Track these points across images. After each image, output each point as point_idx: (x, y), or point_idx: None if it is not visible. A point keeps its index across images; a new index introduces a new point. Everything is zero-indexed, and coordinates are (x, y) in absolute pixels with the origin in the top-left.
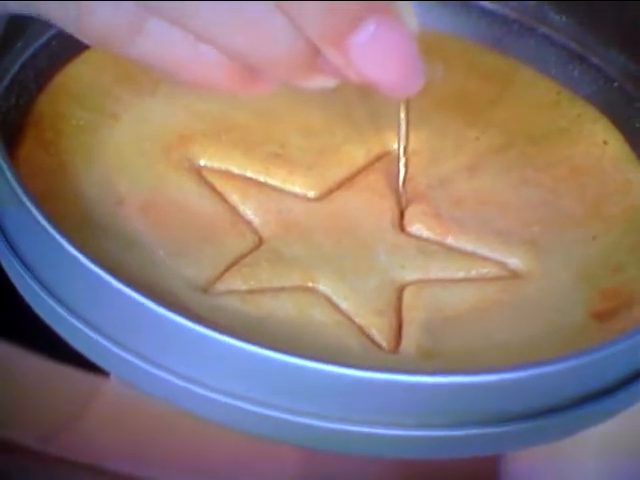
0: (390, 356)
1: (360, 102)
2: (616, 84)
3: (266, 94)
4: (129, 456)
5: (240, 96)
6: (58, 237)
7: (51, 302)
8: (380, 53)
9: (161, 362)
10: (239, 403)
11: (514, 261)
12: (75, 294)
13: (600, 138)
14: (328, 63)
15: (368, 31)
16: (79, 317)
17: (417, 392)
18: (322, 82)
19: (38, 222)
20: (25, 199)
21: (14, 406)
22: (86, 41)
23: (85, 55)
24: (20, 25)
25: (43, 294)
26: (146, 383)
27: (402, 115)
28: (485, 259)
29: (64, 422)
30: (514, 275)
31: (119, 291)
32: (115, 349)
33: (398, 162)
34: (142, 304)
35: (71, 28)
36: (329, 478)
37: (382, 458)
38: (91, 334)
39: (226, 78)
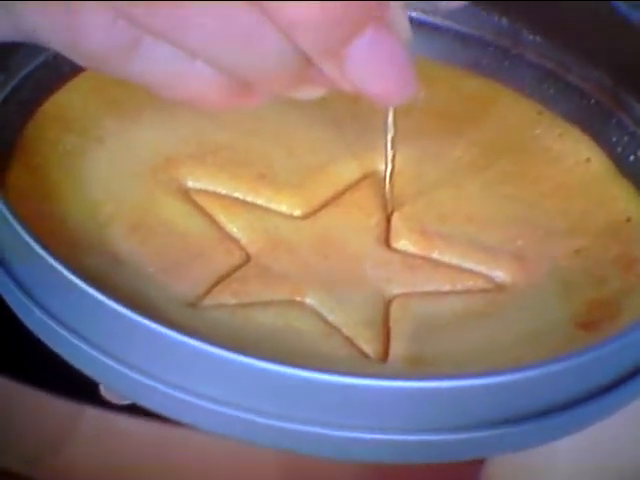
0: (378, 365)
1: (344, 123)
2: (593, 100)
3: (257, 107)
4: None
5: (231, 110)
6: (44, 254)
7: (44, 318)
8: (375, 63)
9: (151, 372)
10: (230, 411)
11: (499, 274)
12: (67, 310)
13: (583, 156)
14: (320, 74)
15: (364, 42)
16: (70, 331)
17: (405, 397)
18: (313, 92)
19: (27, 243)
20: (14, 222)
21: (1, 433)
22: (81, 63)
23: (71, 84)
24: (2, 58)
25: (37, 311)
26: (138, 393)
27: (389, 127)
28: (470, 272)
29: (49, 447)
30: (499, 288)
31: (105, 304)
32: (105, 360)
33: (385, 172)
34: (129, 317)
35: (66, 51)
36: None
37: (374, 463)
38: (82, 346)
39: (218, 93)
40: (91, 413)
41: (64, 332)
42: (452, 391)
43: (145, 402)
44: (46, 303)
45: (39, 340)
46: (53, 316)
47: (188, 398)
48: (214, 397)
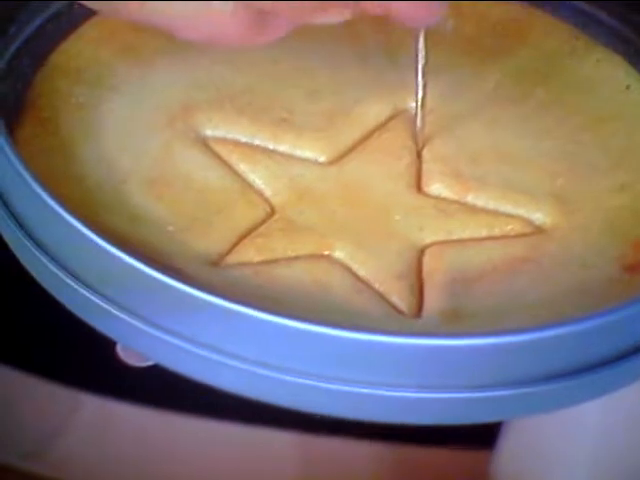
0: (413, 321)
1: (368, 60)
2: (630, 28)
3: (276, 40)
4: (112, 474)
5: (250, 47)
6: (64, 214)
7: (60, 275)
8: None
9: (174, 330)
10: (257, 370)
11: (539, 216)
12: (85, 268)
13: (622, 83)
14: None
15: None
16: (88, 289)
17: (441, 355)
18: (336, 16)
19: (44, 202)
20: (30, 180)
21: None
22: (96, 7)
23: (80, 31)
24: (12, 10)
25: (53, 268)
26: (159, 352)
27: (420, 61)
28: (508, 216)
29: (47, 439)
30: (539, 231)
31: (126, 263)
32: (123, 316)
33: (415, 109)
34: (151, 276)
35: None
36: None
37: (412, 424)
38: (101, 304)
39: (237, 29)
40: (90, 402)
41: (82, 290)
42: (488, 349)
43: (166, 361)
44: (62, 260)
45: (38, 328)
46: (70, 273)
47: (213, 356)
48: (240, 355)
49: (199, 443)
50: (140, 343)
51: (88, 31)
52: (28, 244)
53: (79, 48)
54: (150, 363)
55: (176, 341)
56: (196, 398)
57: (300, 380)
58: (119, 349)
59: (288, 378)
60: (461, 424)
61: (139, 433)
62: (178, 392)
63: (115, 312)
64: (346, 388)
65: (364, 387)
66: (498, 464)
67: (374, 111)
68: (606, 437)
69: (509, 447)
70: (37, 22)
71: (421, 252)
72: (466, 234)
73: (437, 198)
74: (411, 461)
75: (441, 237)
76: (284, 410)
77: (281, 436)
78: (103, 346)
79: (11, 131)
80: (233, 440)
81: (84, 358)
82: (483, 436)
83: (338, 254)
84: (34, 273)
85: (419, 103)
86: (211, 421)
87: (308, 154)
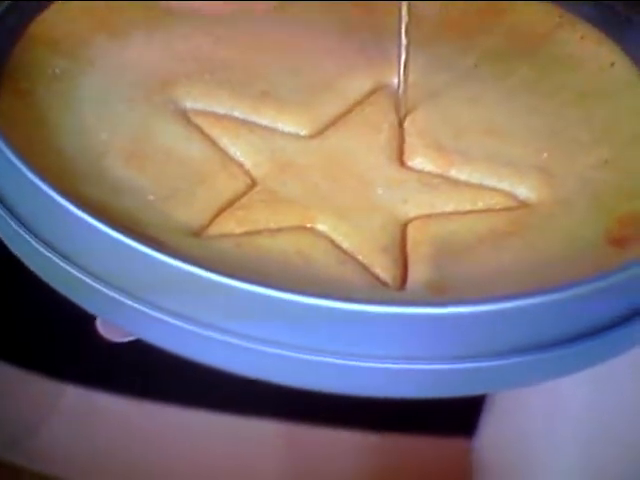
0: (397, 293)
1: (350, 32)
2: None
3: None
4: (96, 464)
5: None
6: (42, 185)
7: (40, 248)
8: None
9: (155, 302)
10: (239, 342)
11: (523, 190)
12: (64, 240)
13: (607, 60)
14: None
15: None
16: (68, 261)
17: (424, 324)
18: None
19: (22, 173)
20: (7, 152)
21: None
22: None
23: (58, 4)
24: None
25: (33, 242)
26: (140, 326)
27: (402, 34)
28: (492, 190)
29: (29, 427)
30: (524, 205)
31: (106, 234)
32: (103, 289)
33: (398, 83)
34: (131, 247)
35: None
36: None
37: (393, 397)
38: (82, 277)
39: None
40: (71, 391)
41: (61, 263)
42: (475, 317)
43: (147, 335)
44: (42, 233)
45: (20, 320)
46: (50, 246)
47: (195, 329)
48: (222, 328)
49: (185, 433)
50: (120, 316)
51: (64, 4)
52: (5, 216)
53: (56, 19)
54: (130, 338)
55: (157, 314)
56: (181, 388)
57: (283, 352)
58: (99, 324)
59: (271, 350)
60: (446, 397)
61: (123, 423)
62: (163, 382)
63: (94, 284)
64: (330, 360)
65: (347, 359)
66: (481, 448)
67: (356, 85)
68: (592, 415)
69: (491, 431)
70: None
71: (405, 225)
72: (450, 207)
73: (420, 172)
74: (396, 449)
75: (425, 210)
76: (271, 399)
77: (266, 425)
78: (86, 335)
79: None
80: (221, 430)
81: (67, 348)
82: (467, 423)
83: (321, 226)
84: (11, 246)
85: (401, 77)
86: (196, 411)
87: (290, 128)
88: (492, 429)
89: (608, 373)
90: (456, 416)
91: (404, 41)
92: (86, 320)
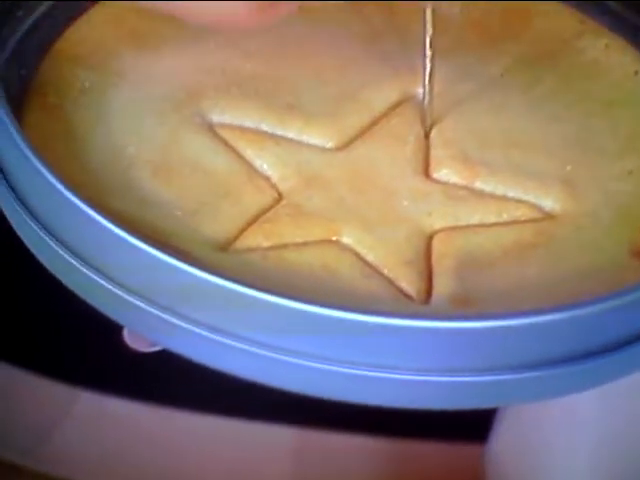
0: (422, 306)
1: (375, 42)
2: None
3: (284, 17)
4: (109, 469)
5: (257, 28)
6: (71, 197)
7: (70, 260)
8: None
9: (183, 313)
10: (268, 354)
11: (548, 202)
12: (94, 252)
13: (631, 69)
14: None
15: None
16: (97, 273)
17: (448, 338)
18: None
19: (53, 186)
20: (38, 165)
21: None
22: None
23: (86, 16)
24: None
25: (63, 254)
26: (167, 336)
27: (427, 44)
28: (517, 201)
29: (44, 432)
30: (549, 217)
31: (132, 245)
32: (132, 301)
33: (423, 94)
34: (161, 260)
35: None
36: None
37: (418, 408)
38: (110, 288)
39: (246, 11)
40: (86, 397)
41: (90, 274)
42: (499, 331)
43: (175, 346)
44: (71, 245)
45: (35, 324)
46: (79, 258)
47: (221, 340)
48: (249, 339)
49: (196, 438)
50: (148, 328)
51: (94, 16)
52: (36, 229)
53: (85, 33)
54: (157, 348)
55: (185, 325)
56: (192, 393)
57: (310, 364)
58: (126, 334)
59: (297, 361)
60: (465, 409)
61: (136, 428)
62: (174, 387)
63: (123, 296)
64: (354, 372)
65: (366, 370)
66: (492, 455)
67: (382, 96)
68: (605, 425)
69: (503, 438)
70: (43, 7)
71: (430, 238)
72: (475, 220)
73: (445, 183)
74: (406, 455)
75: (450, 223)
76: (280, 405)
77: (275, 430)
78: (100, 341)
79: (17, 117)
80: (230, 435)
81: (80, 353)
82: (479, 429)
83: (346, 239)
84: (42, 259)
85: (426, 88)
86: (208, 416)
87: (316, 140)
88: (504, 435)
89: (622, 383)
90: (468, 422)
91: (428, 52)
92: (99, 328)
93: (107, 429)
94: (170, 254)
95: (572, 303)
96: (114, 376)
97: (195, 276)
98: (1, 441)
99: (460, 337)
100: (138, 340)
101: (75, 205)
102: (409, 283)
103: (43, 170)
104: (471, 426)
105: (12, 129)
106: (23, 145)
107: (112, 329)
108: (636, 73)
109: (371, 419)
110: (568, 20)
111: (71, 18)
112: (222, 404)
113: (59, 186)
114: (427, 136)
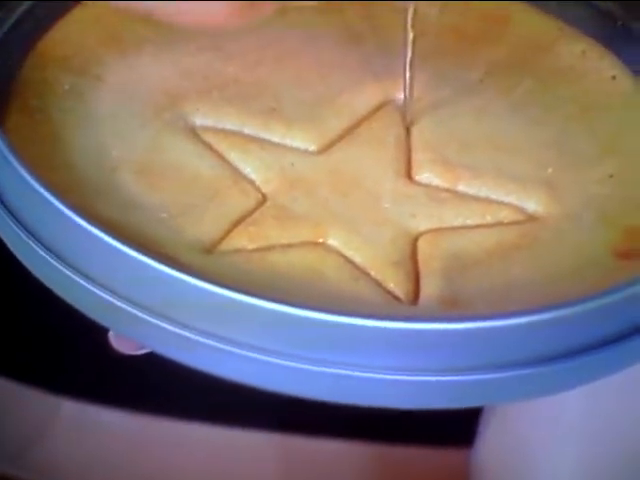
0: (410, 308)
1: (355, 44)
2: (611, 18)
3: (265, 17)
4: (94, 477)
5: (236, 28)
6: (55, 202)
7: (54, 263)
8: None
9: (169, 316)
10: (251, 354)
11: (531, 204)
12: (78, 256)
13: (608, 74)
14: None
15: None
16: (83, 276)
17: (439, 338)
18: None
19: (36, 190)
20: (18, 167)
21: None
22: None
23: (65, 18)
24: None
25: (47, 257)
26: (153, 339)
27: (408, 48)
28: (500, 204)
29: (29, 442)
30: (532, 219)
31: (116, 249)
32: (117, 304)
33: (404, 97)
34: (145, 263)
35: None
36: None
37: (407, 409)
38: (94, 291)
39: (227, 11)
40: (70, 406)
41: (75, 277)
42: (488, 331)
43: (161, 349)
44: (55, 248)
45: (18, 334)
46: (64, 261)
47: (208, 342)
48: (235, 341)
49: (181, 444)
50: (133, 330)
51: (74, 18)
52: (20, 233)
53: (65, 35)
54: (142, 351)
55: (170, 327)
56: (177, 401)
57: (294, 364)
58: (111, 337)
59: (283, 363)
60: (453, 408)
61: (120, 437)
62: (159, 395)
63: (108, 299)
64: (341, 372)
65: (358, 371)
66: (479, 458)
67: (363, 99)
68: (591, 423)
69: (489, 441)
70: (22, 9)
71: (415, 239)
72: (458, 221)
73: (428, 186)
74: (392, 460)
75: (434, 224)
76: (266, 411)
77: (262, 436)
78: (83, 349)
79: None
80: (215, 441)
81: (64, 362)
82: (465, 432)
83: (332, 241)
84: (26, 263)
85: (407, 92)
86: (192, 422)
87: (298, 143)
88: (490, 438)
89: (608, 381)
90: (454, 426)
91: (409, 53)
92: (83, 337)
93: (93, 437)
94: (155, 258)
95: (557, 303)
96: (99, 384)
97: (180, 279)
98: None
99: (449, 337)
100: (124, 343)
101: (57, 209)
102: (397, 285)
103: (24, 173)
104: (457, 430)
105: None
106: (4, 148)
107: (96, 338)
108: (613, 78)
109: (357, 424)
110: (546, 26)
111: (50, 19)
112: (209, 411)
113: (40, 189)
114: (408, 139)
